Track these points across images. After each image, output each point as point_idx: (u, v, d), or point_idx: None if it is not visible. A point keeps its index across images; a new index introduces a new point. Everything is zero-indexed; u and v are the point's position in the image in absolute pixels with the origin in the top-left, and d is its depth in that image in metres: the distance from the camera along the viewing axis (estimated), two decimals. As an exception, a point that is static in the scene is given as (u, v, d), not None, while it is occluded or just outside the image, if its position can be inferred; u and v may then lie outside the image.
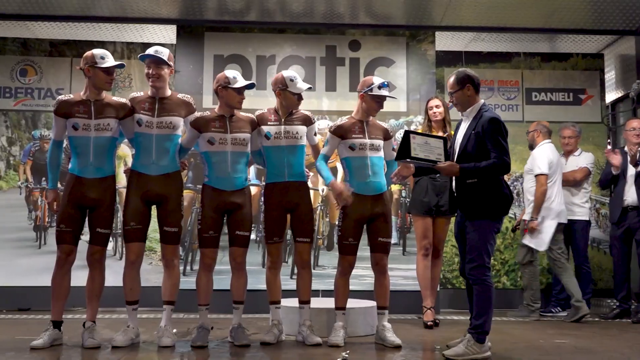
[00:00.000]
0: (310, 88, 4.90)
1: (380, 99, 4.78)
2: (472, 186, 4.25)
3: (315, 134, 4.92)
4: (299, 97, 4.83)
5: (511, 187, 5.33)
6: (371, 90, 4.74)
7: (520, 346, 4.77)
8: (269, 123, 4.79)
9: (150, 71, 4.64)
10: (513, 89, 7.52)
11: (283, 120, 4.80)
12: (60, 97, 4.62)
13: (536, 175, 6.31)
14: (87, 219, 4.60)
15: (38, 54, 7.16)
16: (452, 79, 4.41)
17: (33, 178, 7.03)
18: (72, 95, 4.65)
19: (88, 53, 4.60)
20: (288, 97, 4.78)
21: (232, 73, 4.76)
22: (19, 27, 7.01)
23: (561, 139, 6.76)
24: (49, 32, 7.16)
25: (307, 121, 4.85)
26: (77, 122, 4.52)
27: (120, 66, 4.66)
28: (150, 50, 4.68)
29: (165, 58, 4.64)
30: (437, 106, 5.79)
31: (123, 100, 4.71)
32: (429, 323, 5.56)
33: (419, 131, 4.76)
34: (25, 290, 6.67)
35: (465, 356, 4.13)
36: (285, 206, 4.78)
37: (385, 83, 4.80)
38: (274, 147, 4.76)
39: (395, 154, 4.78)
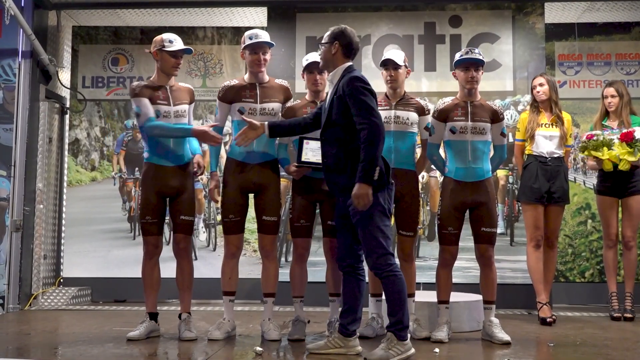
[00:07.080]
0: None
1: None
2: (331, 161, 4.06)
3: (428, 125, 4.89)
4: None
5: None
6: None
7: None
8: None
9: (261, 56, 4.72)
10: (633, 62, 7.21)
11: (394, 105, 4.81)
12: (137, 83, 4.73)
13: None
14: (167, 208, 4.75)
15: (129, 42, 7.42)
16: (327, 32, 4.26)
17: (126, 168, 7.30)
18: (145, 82, 4.77)
19: (158, 37, 4.72)
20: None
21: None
22: (110, 15, 7.24)
23: None
24: (140, 20, 7.37)
25: (421, 110, 4.84)
26: (158, 109, 4.64)
27: (188, 51, 4.75)
28: (260, 35, 4.73)
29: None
30: (540, 84, 5.70)
31: (188, 85, 4.90)
32: (548, 320, 5.43)
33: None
34: (120, 281, 6.95)
35: (391, 358, 3.89)
36: None
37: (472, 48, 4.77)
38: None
39: (504, 138, 4.84)
